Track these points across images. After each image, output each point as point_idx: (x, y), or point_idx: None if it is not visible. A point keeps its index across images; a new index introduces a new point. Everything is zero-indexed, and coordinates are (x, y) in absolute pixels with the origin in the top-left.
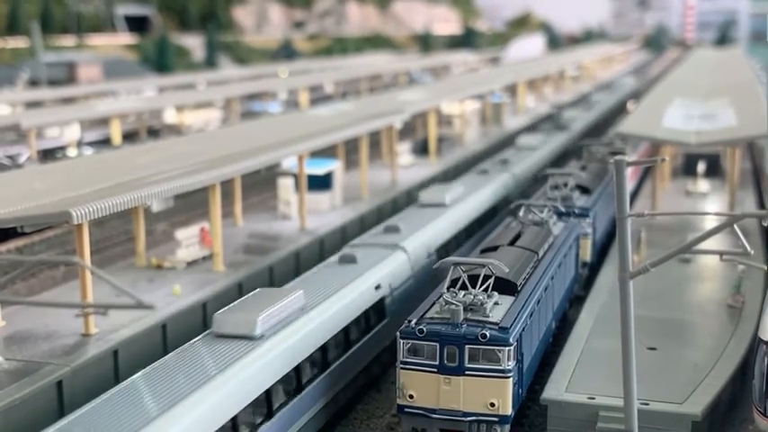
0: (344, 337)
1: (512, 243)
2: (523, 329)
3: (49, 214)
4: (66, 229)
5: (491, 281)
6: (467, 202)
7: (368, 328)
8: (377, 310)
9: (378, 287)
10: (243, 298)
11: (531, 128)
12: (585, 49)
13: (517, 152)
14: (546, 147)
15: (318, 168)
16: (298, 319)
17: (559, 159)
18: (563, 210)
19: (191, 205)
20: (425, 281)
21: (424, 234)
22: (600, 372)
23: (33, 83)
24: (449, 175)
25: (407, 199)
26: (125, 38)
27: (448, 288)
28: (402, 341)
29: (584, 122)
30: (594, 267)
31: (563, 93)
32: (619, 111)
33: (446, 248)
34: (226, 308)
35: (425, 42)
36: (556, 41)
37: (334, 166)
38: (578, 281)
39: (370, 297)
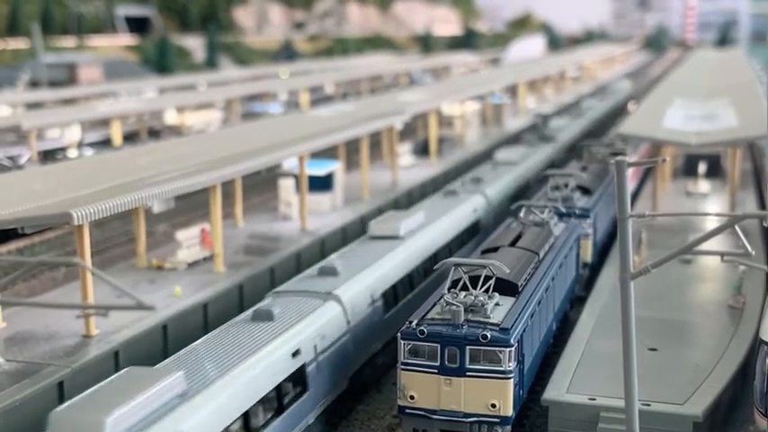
0: (243, 426)
1: (512, 244)
2: (524, 330)
3: (49, 215)
4: (67, 230)
5: (492, 282)
6: (427, 232)
7: (280, 407)
8: (295, 382)
9: (296, 353)
10: (98, 386)
11: (514, 139)
12: (586, 49)
13: (494, 168)
14: (528, 162)
15: (319, 169)
16: (172, 411)
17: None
18: (564, 210)
19: (191, 206)
20: (367, 334)
21: (369, 276)
22: (601, 372)
23: (34, 84)
24: (449, 176)
25: (408, 200)
26: (125, 39)
27: (449, 289)
28: (403, 342)
29: (572, 132)
30: (595, 268)
31: (564, 94)
32: (612, 118)
33: (395, 292)
34: (68, 403)
35: (426, 43)
36: (556, 42)
37: (335, 166)
38: (579, 281)
39: (285, 367)
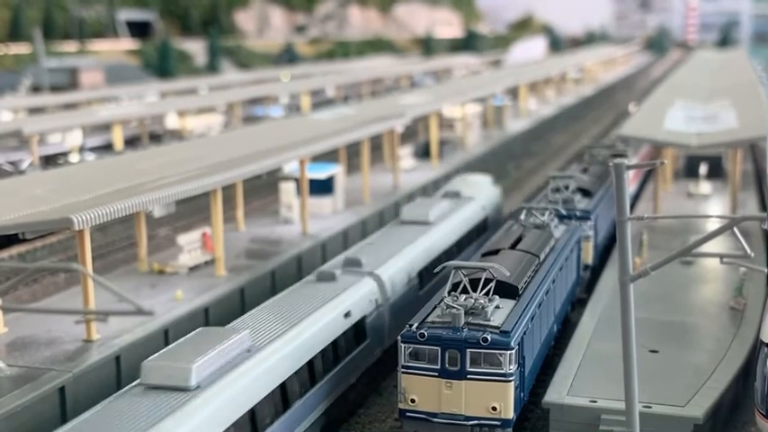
0: None
1: (513, 246)
2: (525, 333)
3: (50, 220)
4: (69, 234)
5: (492, 284)
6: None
7: None
8: None
9: None
10: None
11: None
12: (587, 51)
13: (399, 227)
14: (454, 220)
15: (320, 172)
16: None
17: (469, 235)
18: (564, 213)
19: (192, 210)
20: None
21: None
22: (602, 375)
23: (36, 88)
24: (450, 178)
25: (409, 202)
26: (127, 43)
27: (449, 292)
28: (403, 345)
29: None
30: (596, 270)
31: (565, 95)
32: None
33: None
34: None
35: (427, 45)
36: (558, 44)
37: (336, 170)
38: (580, 284)
39: None
